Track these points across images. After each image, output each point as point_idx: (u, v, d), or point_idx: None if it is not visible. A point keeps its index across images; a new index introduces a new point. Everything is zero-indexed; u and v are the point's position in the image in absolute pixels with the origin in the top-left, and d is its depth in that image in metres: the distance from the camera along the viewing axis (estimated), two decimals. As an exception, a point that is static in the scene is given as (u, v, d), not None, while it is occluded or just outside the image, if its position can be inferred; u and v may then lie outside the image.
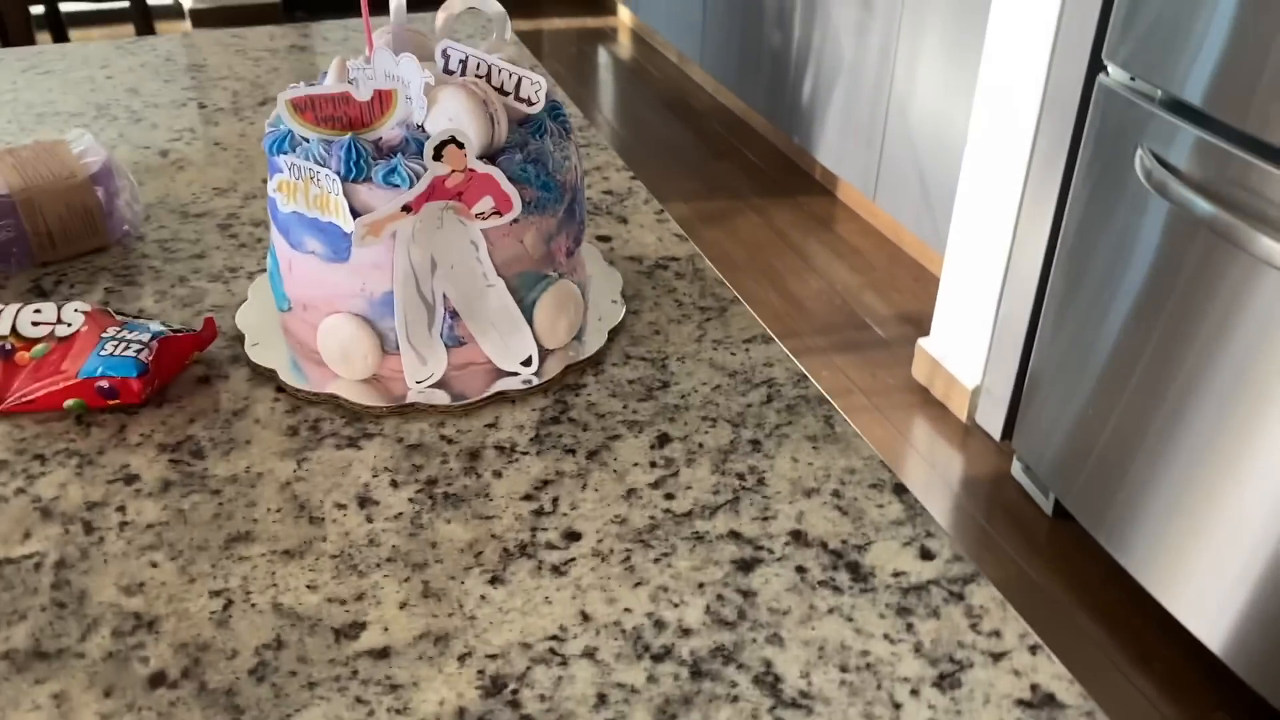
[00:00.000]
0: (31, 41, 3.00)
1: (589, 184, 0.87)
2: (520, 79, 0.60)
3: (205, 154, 0.90)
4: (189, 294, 0.72)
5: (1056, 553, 1.94)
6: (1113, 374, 1.69)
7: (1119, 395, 1.68)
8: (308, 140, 0.58)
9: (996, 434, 2.25)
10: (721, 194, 3.26)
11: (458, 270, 0.60)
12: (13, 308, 0.63)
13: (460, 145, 0.56)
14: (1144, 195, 1.56)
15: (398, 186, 0.57)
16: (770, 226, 3.10)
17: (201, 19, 4.29)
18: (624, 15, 4.53)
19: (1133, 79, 1.60)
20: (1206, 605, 1.54)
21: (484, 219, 0.58)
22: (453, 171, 0.56)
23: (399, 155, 0.57)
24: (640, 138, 3.63)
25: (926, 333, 2.58)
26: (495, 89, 0.60)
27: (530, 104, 0.60)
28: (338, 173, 0.57)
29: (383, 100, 0.58)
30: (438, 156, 0.56)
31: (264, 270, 0.74)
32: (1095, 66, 1.72)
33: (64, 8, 3.77)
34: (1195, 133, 1.45)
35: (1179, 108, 1.49)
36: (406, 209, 0.57)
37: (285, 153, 0.59)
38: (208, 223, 0.80)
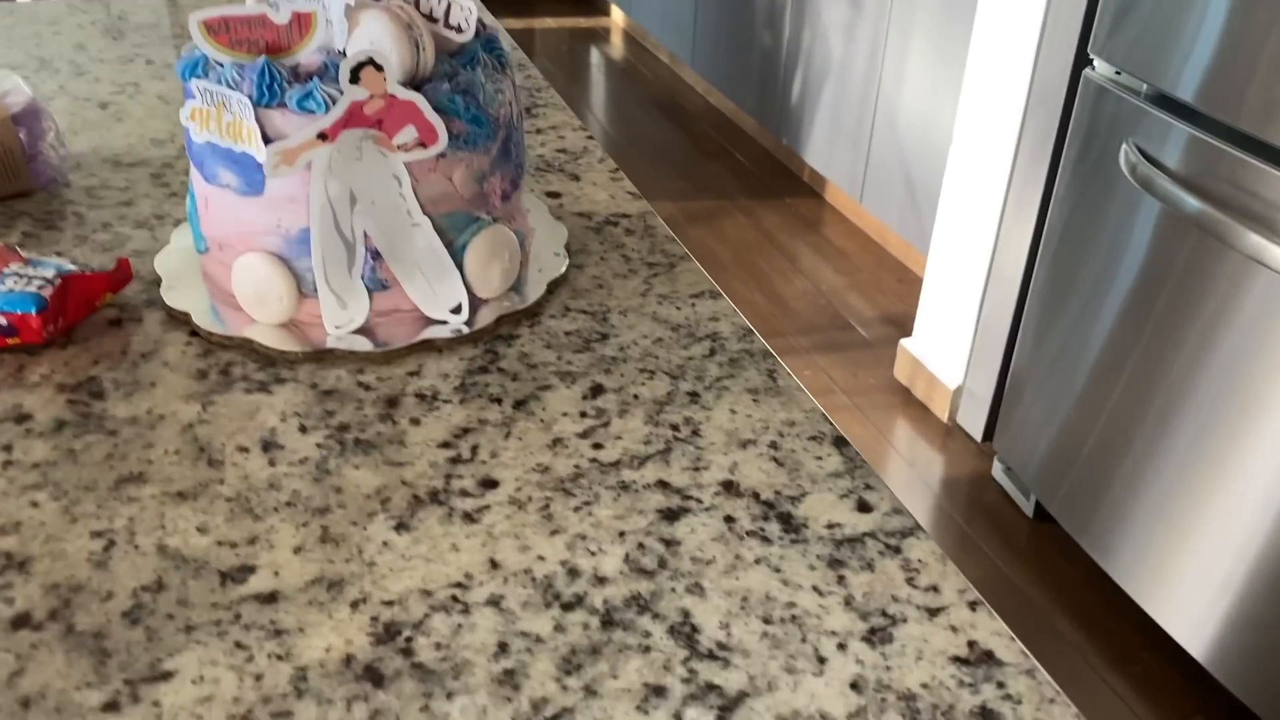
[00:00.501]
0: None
1: (543, 142, 0.83)
2: (450, 4, 0.56)
3: (146, 108, 0.87)
4: (111, 239, 0.68)
5: (1036, 555, 1.91)
6: (1098, 375, 1.66)
7: (1104, 396, 1.65)
8: (221, 65, 0.55)
9: (978, 435, 2.22)
10: (709, 194, 3.24)
11: (379, 206, 0.56)
12: (-88, 243, 0.60)
13: (379, 68, 0.53)
14: (1130, 192, 1.53)
15: (313, 113, 0.53)
16: (757, 227, 3.07)
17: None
18: (616, 15, 4.51)
19: (1119, 74, 1.58)
20: (1189, 609, 1.51)
21: (407, 150, 0.55)
22: (371, 97, 0.53)
23: (316, 80, 0.54)
24: (630, 138, 3.60)
25: (910, 334, 2.55)
26: (423, 15, 0.57)
27: (459, 31, 0.57)
28: (250, 97, 0.53)
29: (301, 24, 0.55)
30: (355, 80, 0.53)
31: (192, 218, 0.71)
32: (1081, 61, 1.70)
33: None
34: (1184, 129, 1.42)
35: (1167, 103, 1.46)
36: (322, 136, 0.54)
37: (198, 77, 0.56)
38: (140, 172, 0.76)
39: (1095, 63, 1.64)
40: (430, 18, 0.57)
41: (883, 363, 2.49)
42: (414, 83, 0.55)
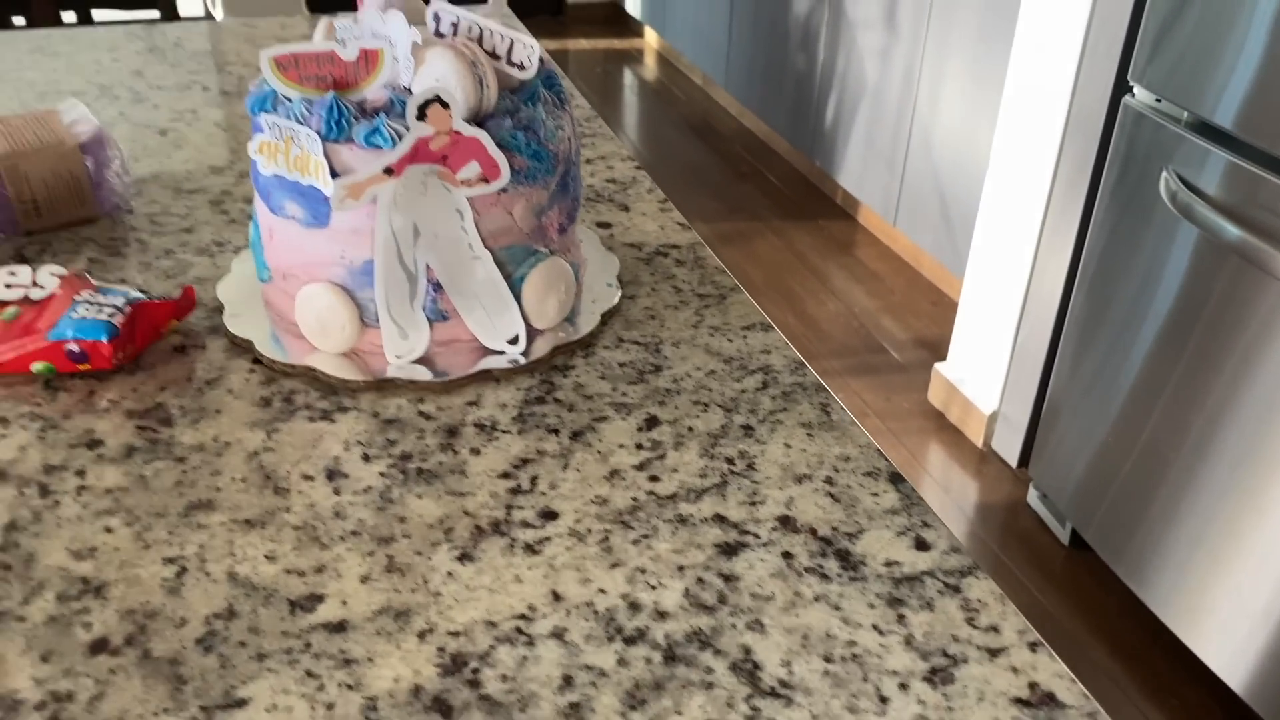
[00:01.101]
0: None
1: (592, 172, 0.84)
2: (512, 42, 0.57)
3: (205, 134, 0.89)
4: (173, 266, 0.70)
5: (1072, 583, 1.89)
6: (1135, 402, 1.65)
7: (1141, 424, 1.63)
8: (290, 100, 0.57)
9: (1013, 461, 2.20)
10: (742, 215, 3.25)
11: (442, 239, 0.57)
12: (-13, 270, 0.61)
13: (445, 105, 0.54)
14: (1170, 219, 1.52)
15: (380, 148, 0.55)
16: (790, 249, 3.08)
17: (231, 31, 4.34)
18: (650, 37, 4.54)
19: (1159, 101, 1.57)
20: (1228, 641, 1.49)
21: (470, 186, 0.56)
22: (437, 133, 0.54)
23: (382, 115, 0.55)
24: (663, 158, 3.62)
25: (944, 358, 2.54)
26: (486, 52, 0.58)
27: (522, 69, 0.58)
28: (318, 132, 0.55)
29: (369, 60, 0.56)
30: (421, 116, 0.54)
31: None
32: (1121, 88, 1.69)
33: (97, 14, 3.81)
34: (1224, 156, 1.41)
35: (1207, 130, 1.46)
36: (388, 171, 0.55)
37: (267, 112, 0.57)
38: (200, 199, 0.78)
39: (1135, 90, 1.64)
40: (493, 54, 0.58)
41: (916, 387, 2.48)
42: (477, 119, 0.57)
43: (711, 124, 3.86)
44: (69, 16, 3.66)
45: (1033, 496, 2.09)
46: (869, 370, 2.58)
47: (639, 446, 0.54)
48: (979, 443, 2.30)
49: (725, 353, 0.62)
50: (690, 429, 0.55)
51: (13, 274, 0.61)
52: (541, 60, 0.59)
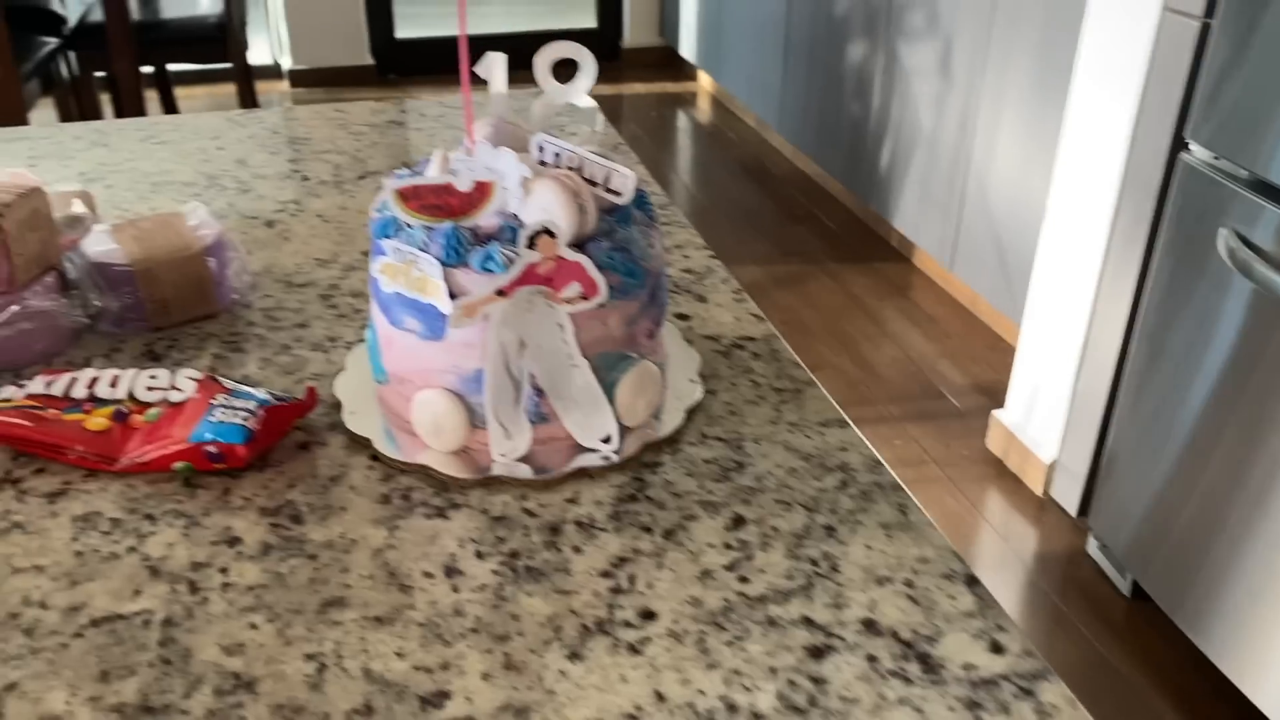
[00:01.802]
0: (141, 104, 3.17)
1: (669, 262, 0.89)
2: (610, 173, 0.63)
3: (308, 226, 0.95)
4: (291, 362, 0.76)
5: (1134, 635, 1.89)
6: (1193, 455, 1.66)
7: (1200, 476, 1.64)
8: (411, 226, 0.62)
9: (1073, 510, 2.21)
10: (796, 258, 3.29)
11: (544, 350, 0.62)
12: (129, 374, 0.68)
13: (552, 235, 0.59)
14: (1227, 275, 1.54)
15: (493, 272, 0.60)
16: (845, 292, 3.11)
17: (299, 79, 4.49)
18: (704, 80, 4.62)
19: (1217, 158, 1.59)
20: (1293, 698, 1.49)
21: (571, 303, 0.61)
22: (544, 259, 0.60)
23: (495, 242, 0.61)
24: (717, 201, 3.68)
25: (1002, 404, 2.55)
26: (586, 180, 0.63)
27: (618, 195, 0.63)
28: (438, 258, 0.60)
29: (482, 190, 0.62)
30: (531, 245, 0.59)
31: (361, 340, 0.78)
32: (1177, 145, 1.71)
33: (171, 67, 3.98)
34: (1282, 214, 1.43)
35: (1265, 188, 1.47)
36: (500, 293, 0.60)
37: (390, 237, 0.63)
38: (310, 293, 0.84)
39: (1192, 147, 1.66)
40: (592, 182, 0.63)
41: (975, 433, 2.50)
42: (578, 241, 0.62)
43: (765, 166, 3.92)
44: (151, 94, 3.78)
45: (1092, 547, 2.10)
46: (927, 416, 2.59)
47: (728, 546, 0.59)
48: (1038, 491, 2.30)
49: (804, 449, 0.67)
50: (775, 529, 0.60)
51: (153, 377, 0.67)
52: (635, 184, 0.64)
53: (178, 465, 0.63)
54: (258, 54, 3.76)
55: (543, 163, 0.65)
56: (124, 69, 3.10)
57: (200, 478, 0.64)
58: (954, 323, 2.94)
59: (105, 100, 3.50)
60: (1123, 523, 1.90)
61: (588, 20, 4.79)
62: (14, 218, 0.71)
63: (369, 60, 4.52)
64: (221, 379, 0.68)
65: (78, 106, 3.37)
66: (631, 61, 4.83)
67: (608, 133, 1.03)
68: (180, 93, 4.31)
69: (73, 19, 3.48)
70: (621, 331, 0.64)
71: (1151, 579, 1.81)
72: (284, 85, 4.54)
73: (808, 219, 3.52)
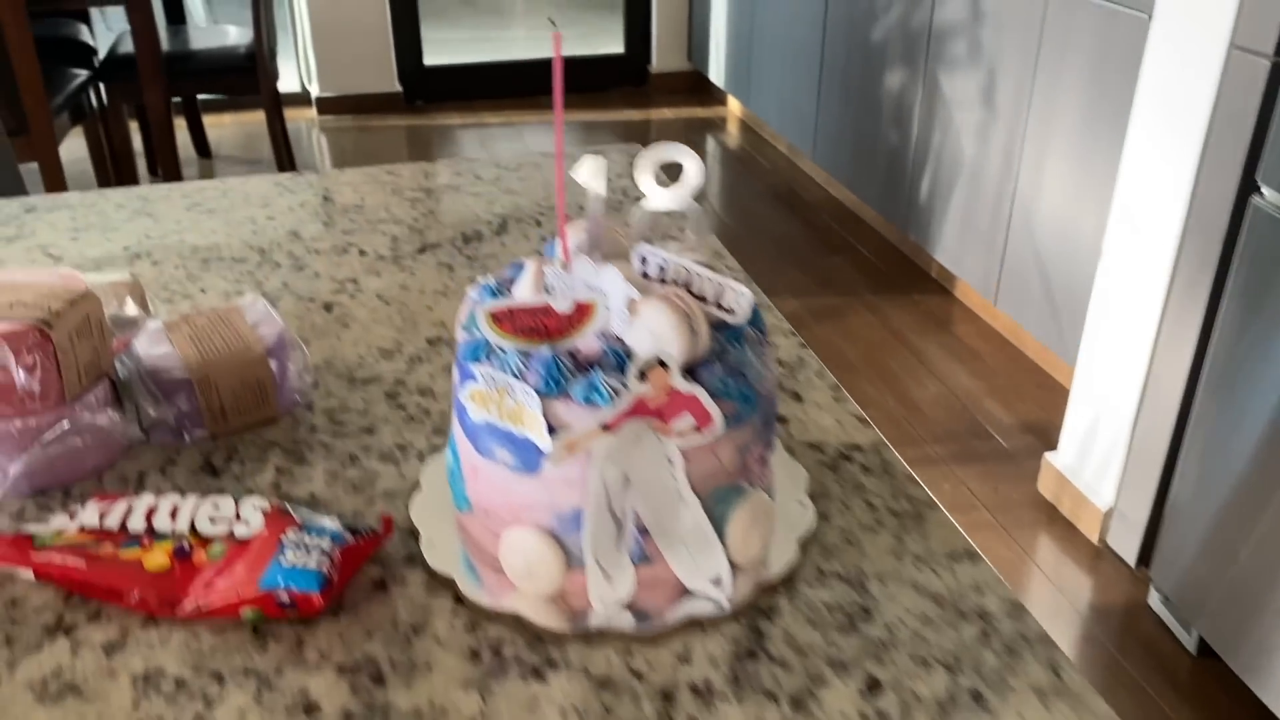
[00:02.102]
0: (172, 135, 3.14)
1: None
2: (723, 289, 0.57)
3: (368, 309, 0.89)
4: (360, 476, 0.70)
5: (1200, 694, 1.81)
6: (1264, 506, 1.58)
7: (1274, 530, 1.56)
8: (504, 350, 0.56)
9: (1131, 559, 2.13)
10: (833, 290, 3.22)
11: (651, 487, 0.56)
12: (190, 502, 0.62)
13: (665, 366, 0.53)
14: (1306, 326, 1.47)
15: (597, 404, 0.54)
16: (885, 325, 3.04)
17: (327, 106, 4.46)
18: (733, 105, 4.56)
19: (1294, 204, 1.52)
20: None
21: (683, 437, 0.55)
22: (656, 391, 0.53)
23: (598, 370, 0.55)
24: (749, 229, 3.62)
25: (1052, 444, 2.48)
26: (696, 297, 0.57)
27: (731, 313, 0.57)
28: (536, 388, 0.54)
29: (583, 311, 0.56)
30: (642, 377, 0.53)
31: (435, 449, 0.72)
32: (1247, 187, 1.64)
33: (199, 96, 3.96)
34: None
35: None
36: (605, 427, 0.54)
37: (479, 360, 0.57)
38: (375, 390, 0.79)
39: (1264, 191, 1.59)
40: (701, 298, 0.57)
41: (1025, 476, 2.42)
42: (689, 365, 0.56)
43: (798, 194, 3.85)
44: (179, 122, 3.74)
45: (1155, 599, 2.02)
46: (974, 457, 2.52)
47: (864, 718, 0.52)
48: (1094, 538, 2.23)
49: (933, 589, 0.60)
50: (916, 695, 0.53)
51: (216, 507, 0.62)
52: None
53: (246, 613, 0.58)
54: (286, 81, 3.73)
55: (645, 275, 0.59)
56: (154, 100, 3.07)
57: (271, 625, 0.58)
58: (998, 358, 2.87)
59: (134, 128, 3.48)
60: (1188, 575, 1.83)
61: (615, 45, 4.75)
62: (64, 328, 0.65)
63: (397, 87, 4.49)
64: (290, 509, 0.62)
65: (107, 138, 3.35)
66: (659, 86, 4.79)
67: (708, 238, 0.98)
68: (208, 120, 4.29)
69: (102, 50, 3.46)
70: (734, 461, 0.58)
71: (1219, 635, 1.73)
72: (312, 113, 4.51)
73: (844, 249, 3.45)
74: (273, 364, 0.73)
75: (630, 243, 0.60)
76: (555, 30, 0.54)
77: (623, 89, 4.79)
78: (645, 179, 0.61)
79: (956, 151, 2.87)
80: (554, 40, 0.56)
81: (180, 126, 3.84)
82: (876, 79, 3.21)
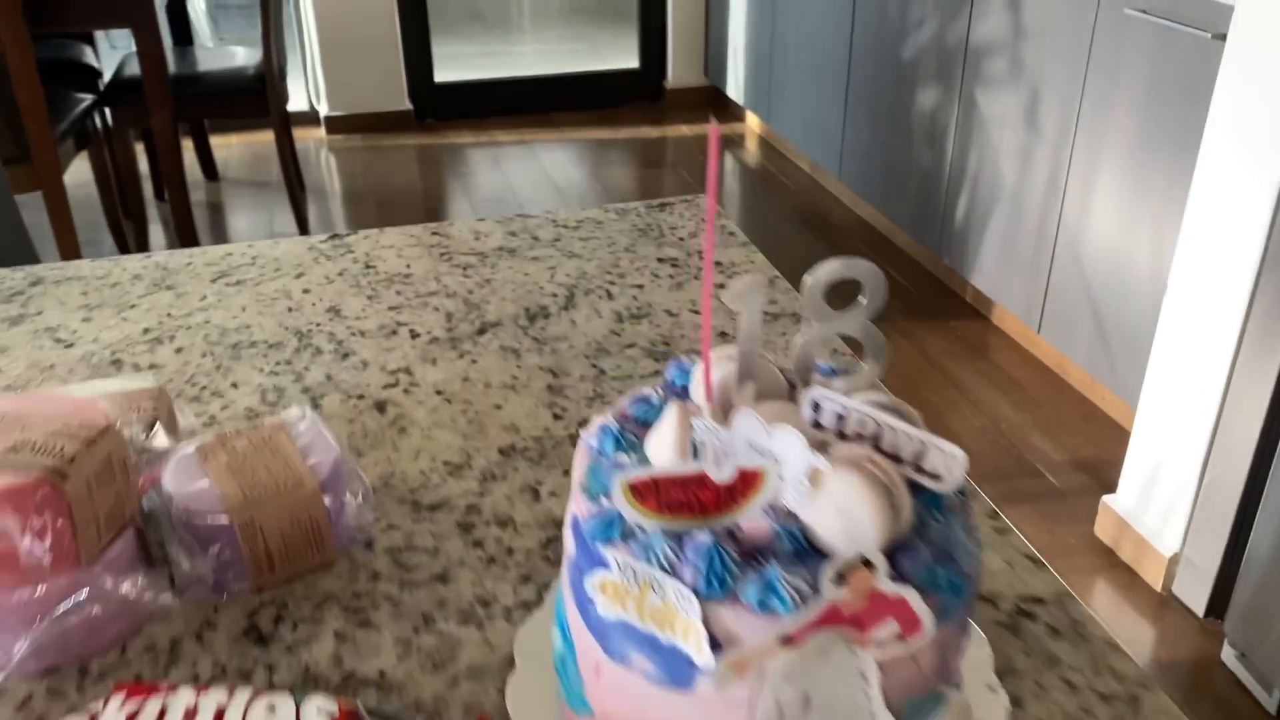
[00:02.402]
0: (180, 161, 3.01)
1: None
2: (926, 448, 0.44)
3: (427, 408, 0.77)
4: (437, 646, 0.57)
5: (1293, 768, 1.69)
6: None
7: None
8: (645, 531, 0.44)
9: (1200, 610, 2.01)
10: (866, 316, 3.10)
11: (838, 706, 0.44)
12: (239, 703, 0.50)
13: (870, 566, 0.41)
14: None
15: (775, 612, 0.42)
16: (921, 353, 2.92)
17: (336, 125, 4.34)
18: (752, 122, 4.44)
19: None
20: None
21: (883, 647, 0.43)
22: (855, 596, 0.41)
23: (772, 562, 0.42)
24: (775, 251, 3.48)
25: (1105, 482, 2.36)
26: (888, 455, 0.45)
27: (937, 479, 0.45)
28: (694, 588, 0.42)
29: (746, 480, 0.43)
30: (840, 579, 0.41)
31: (524, 604, 0.60)
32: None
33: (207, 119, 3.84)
34: None
35: None
36: (785, 640, 0.42)
37: (612, 541, 0.44)
38: (444, 520, 0.66)
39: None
40: (894, 456, 0.45)
41: (1080, 518, 2.30)
42: (886, 550, 0.43)
43: (823, 214, 3.73)
44: (186, 143, 3.62)
45: (1229, 655, 1.90)
46: (1025, 497, 2.40)
47: None
48: (1157, 586, 2.11)
49: (1173, 810, 0.48)
50: None
51: (272, 710, 0.49)
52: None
53: None
54: (294, 100, 3.61)
55: (817, 425, 0.46)
56: (162, 125, 2.95)
57: None
58: (1042, 388, 2.74)
59: (140, 148, 3.36)
60: (1267, 630, 1.71)
61: (630, 61, 4.63)
62: (81, 476, 0.53)
63: (407, 105, 4.37)
64: (364, 712, 0.50)
65: (112, 162, 3.23)
66: (675, 102, 4.67)
67: (878, 375, 0.85)
68: (215, 141, 4.18)
69: (107, 71, 3.34)
70: (935, 665, 0.46)
71: (1309, 701, 1.61)
72: (320, 132, 4.39)
73: (874, 272, 3.33)
74: (327, 499, 0.61)
75: (795, 380, 0.48)
76: (713, 124, 0.41)
77: (638, 105, 4.67)
78: (815, 303, 0.48)
79: (996, 173, 2.75)
80: (710, 135, 0.43)
81: (186, 147, 3.72)
82: (908, 97, 3.09)
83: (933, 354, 2.94)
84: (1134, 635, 2.04)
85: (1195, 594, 2.02)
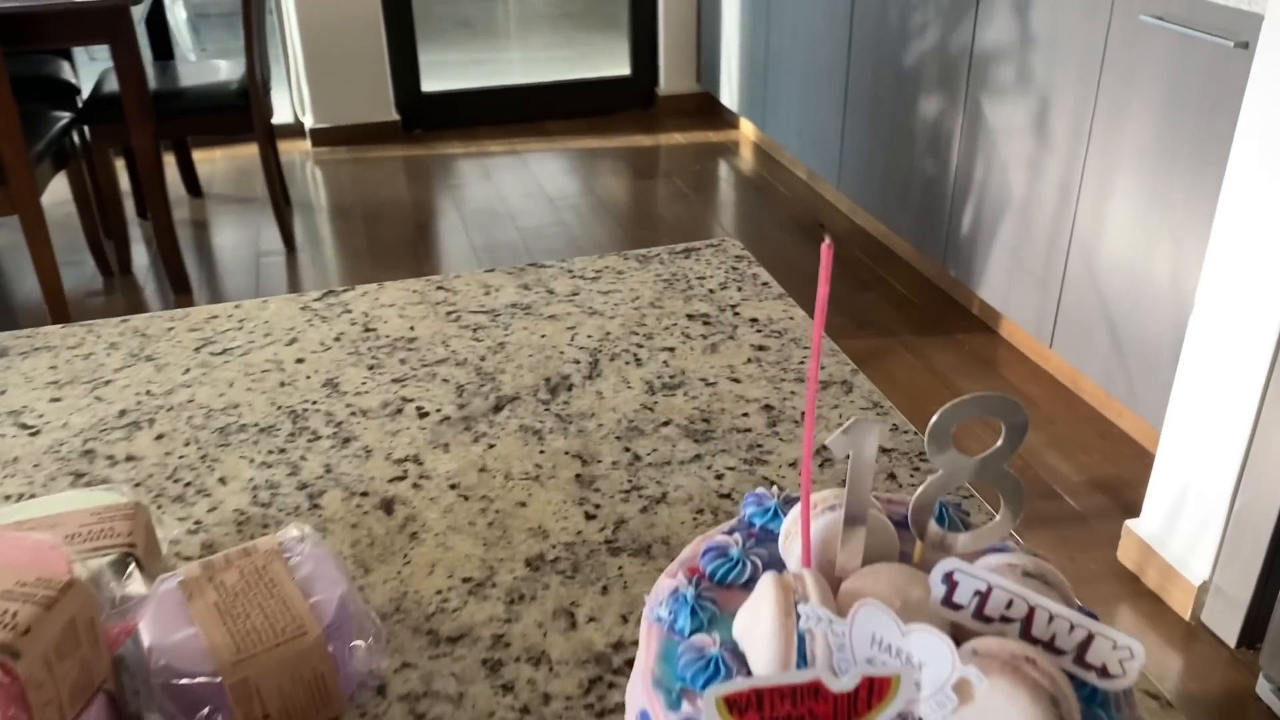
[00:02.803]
0: (162, 180, 2.91)
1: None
2: (1093, 639, 0.35)
3: (441, 507, 0.68)
4: (470, 829, 0.48)
5: (1340, 813, 1.61)
6: None
7: None
8: (746, 750, 0.35)
9: (1231, 640, 1.94)
10: (871, 330, 3.02)
11: None
12: None
13: (1044, 812, 0.32)
14: None
15: None
16: (929, 369, 2.84)
17: (321, 138, 4.23)
18: (746, 129, 4.36)
19: None
20: None
21: None
22: None
23: (910, 795, 0.34)
24: (773, 263, 3.40)
25: (1125, 503, 2.29)
26: (1042, 644, 0.36)
27: (1107, 675, 0.36)
28: (814, 834, 0.33)
29: (873, 689, 0.35)
30: (1004, 830, 0.32)
31: (568, 771, 0.51)
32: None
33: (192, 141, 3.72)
34: None
35: None
36: None
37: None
38: (467, 656, 0.57)
39: None
40: (1051, 646, 0.36)
41: (1101, 542, 2.22)
42: (1046, 772, 0.35)
43: (822, 224, 3.65)
44: (168, 159, 3.52)
45: (1264, 689, 1.82)
46: (1045, 521, 2.32)
47: None
48: (1185, 614, 2.03)
49: None
50: None
51: None
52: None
53: None
54: (278, 113, 3.50)
55: (951, 604, 0.38)
56: (143, 144, 2.85)
57: None
58: (1055, 405, 2.67)
59: (120, 165, 3.25)
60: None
61: (621, 68, 4.54)
62: (36, 651, 0.44)
63: (394, 116, 4.27)
64: None
65: (93, 183, 3.12)
66: (668, 109, 4.58)
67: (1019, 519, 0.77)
68: (198, 155, 4.06)
69: (85, 87, 3.23)
70: None
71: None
72: (306, 145, 4.29)
73: (877, 284, 3.25)
74: (332, 647, 0.52)
75: (925, 543, 0.39)
76: (827, 242, 0.33)
77: (630, 112, 4.58)
78: (941, 444, 0.39)
79: (1004, 183, 2.67)
80: (823, 253, 0.34)
81: (169, 163, 3.61)
82: (910, 104, 3.01)
83: (942, 370, 2.86)
84: (1162, 666, 1.97)
85: (1227, 623, 1.95)
